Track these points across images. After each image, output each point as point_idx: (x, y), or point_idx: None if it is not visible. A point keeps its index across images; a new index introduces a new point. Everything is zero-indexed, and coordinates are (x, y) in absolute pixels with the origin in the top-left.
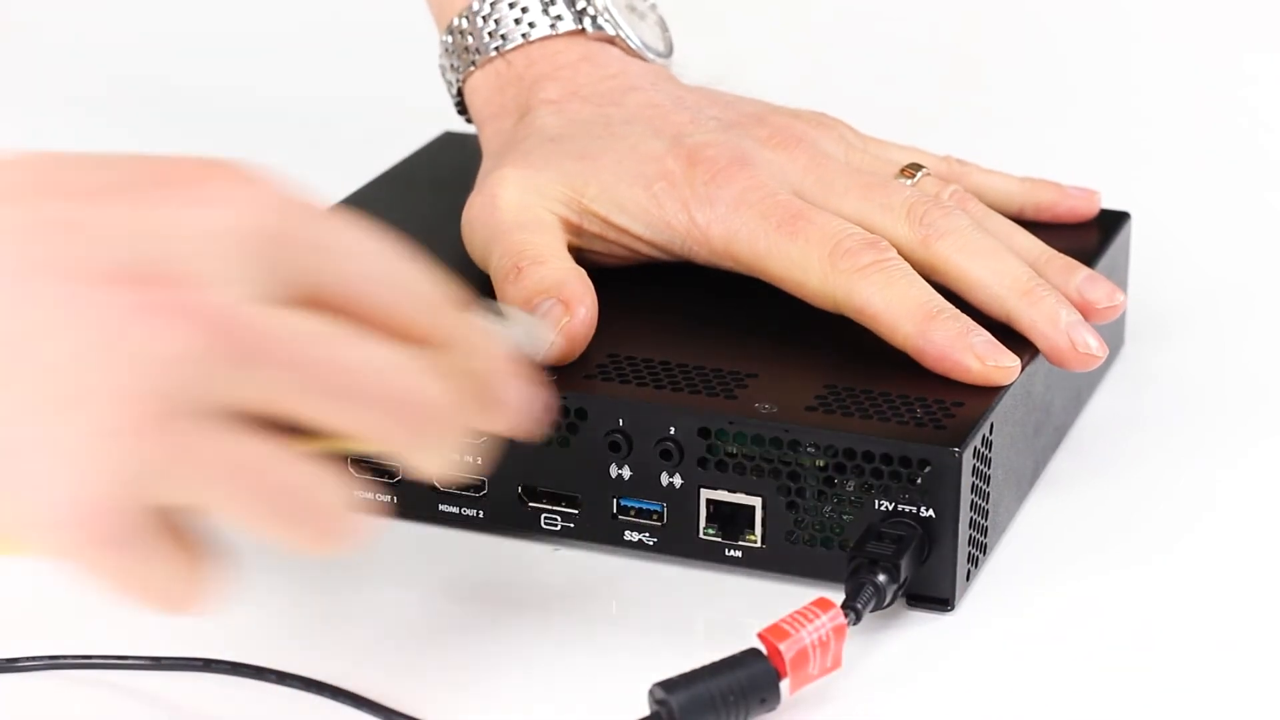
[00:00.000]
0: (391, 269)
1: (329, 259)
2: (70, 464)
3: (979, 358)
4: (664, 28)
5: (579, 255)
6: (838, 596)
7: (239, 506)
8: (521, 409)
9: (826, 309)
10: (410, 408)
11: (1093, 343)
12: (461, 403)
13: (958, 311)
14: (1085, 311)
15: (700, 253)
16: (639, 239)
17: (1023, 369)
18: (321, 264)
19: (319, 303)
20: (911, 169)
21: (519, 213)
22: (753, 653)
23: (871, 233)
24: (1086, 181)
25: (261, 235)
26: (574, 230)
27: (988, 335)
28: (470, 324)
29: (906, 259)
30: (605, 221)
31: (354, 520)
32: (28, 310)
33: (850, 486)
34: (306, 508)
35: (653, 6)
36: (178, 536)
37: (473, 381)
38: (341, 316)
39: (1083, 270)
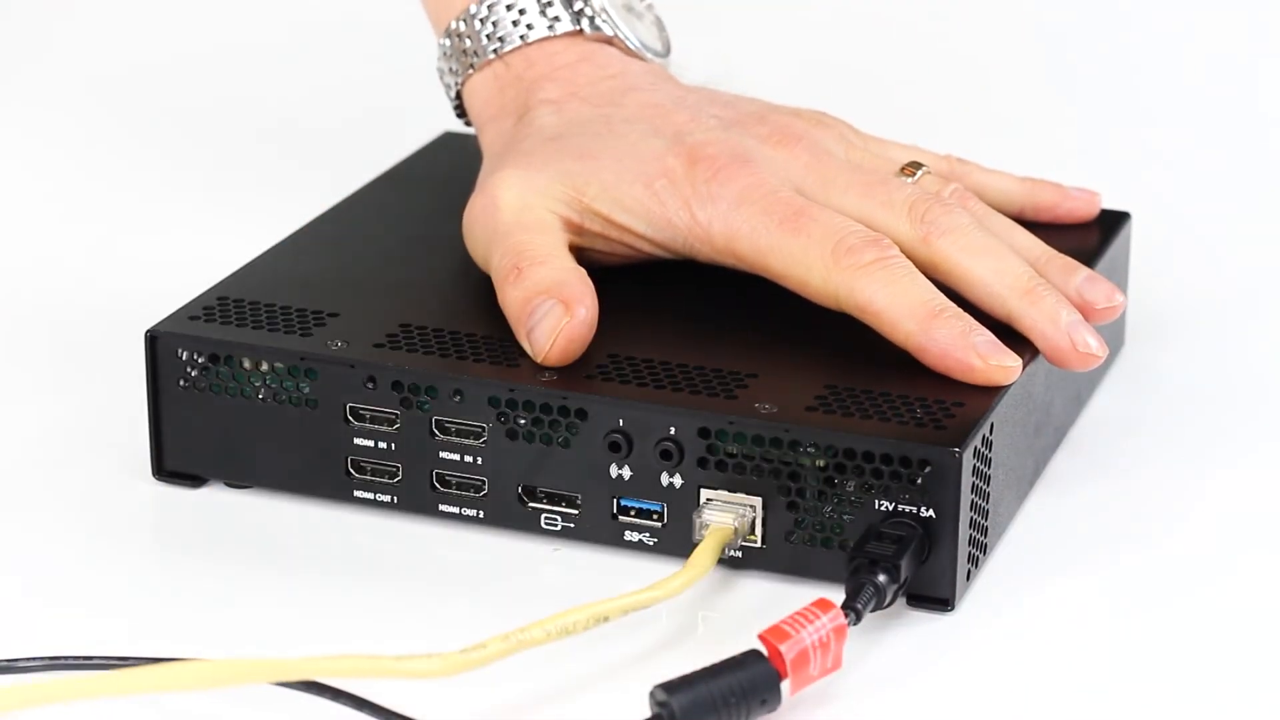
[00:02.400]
0: None
1: None
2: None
3: (981, 357)
4: (661, 27)
5: (580, 255)
6: (838, 596)
7: None
8: None
9: (828, 306)
10: None
11: (1093, 343)
12: None
13: (960, 310)
14: (1085, 312)
15: (702, 250)
16: (641, 237)
17: (1023, 369)
18: None
19: None
20: (912, 167)
21: (520, 213)
22: (753, 654)
23: (873, 230)
24: (1087, 182)
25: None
26: (575, 230)
27: (990, 335)
28: None
29: (907, 256)
30: (607, 220)
31: None
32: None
33: (850, 486)
34: None
35: (649, 6)
36: None
37: None
38: None
39: (1083, 270)
